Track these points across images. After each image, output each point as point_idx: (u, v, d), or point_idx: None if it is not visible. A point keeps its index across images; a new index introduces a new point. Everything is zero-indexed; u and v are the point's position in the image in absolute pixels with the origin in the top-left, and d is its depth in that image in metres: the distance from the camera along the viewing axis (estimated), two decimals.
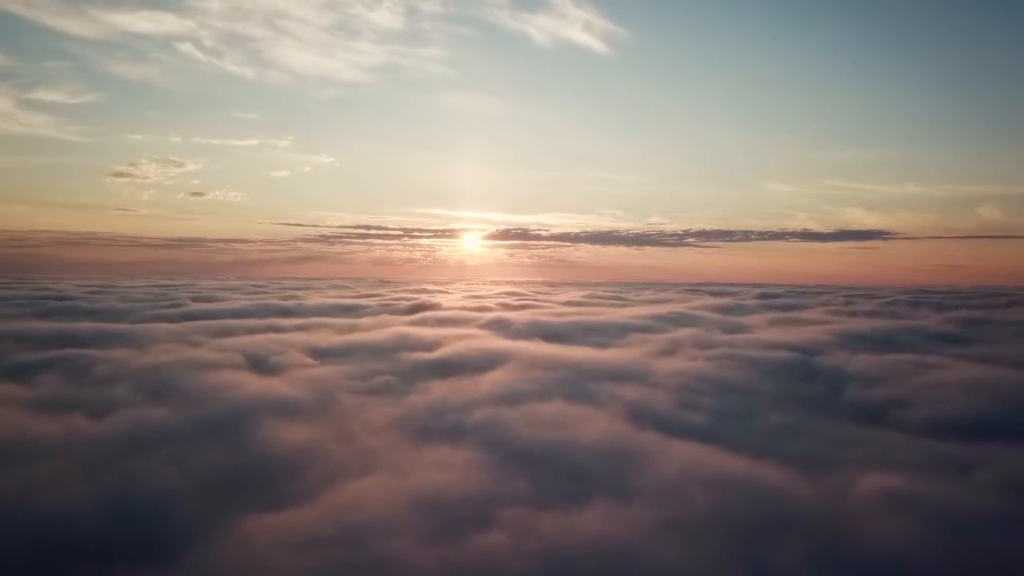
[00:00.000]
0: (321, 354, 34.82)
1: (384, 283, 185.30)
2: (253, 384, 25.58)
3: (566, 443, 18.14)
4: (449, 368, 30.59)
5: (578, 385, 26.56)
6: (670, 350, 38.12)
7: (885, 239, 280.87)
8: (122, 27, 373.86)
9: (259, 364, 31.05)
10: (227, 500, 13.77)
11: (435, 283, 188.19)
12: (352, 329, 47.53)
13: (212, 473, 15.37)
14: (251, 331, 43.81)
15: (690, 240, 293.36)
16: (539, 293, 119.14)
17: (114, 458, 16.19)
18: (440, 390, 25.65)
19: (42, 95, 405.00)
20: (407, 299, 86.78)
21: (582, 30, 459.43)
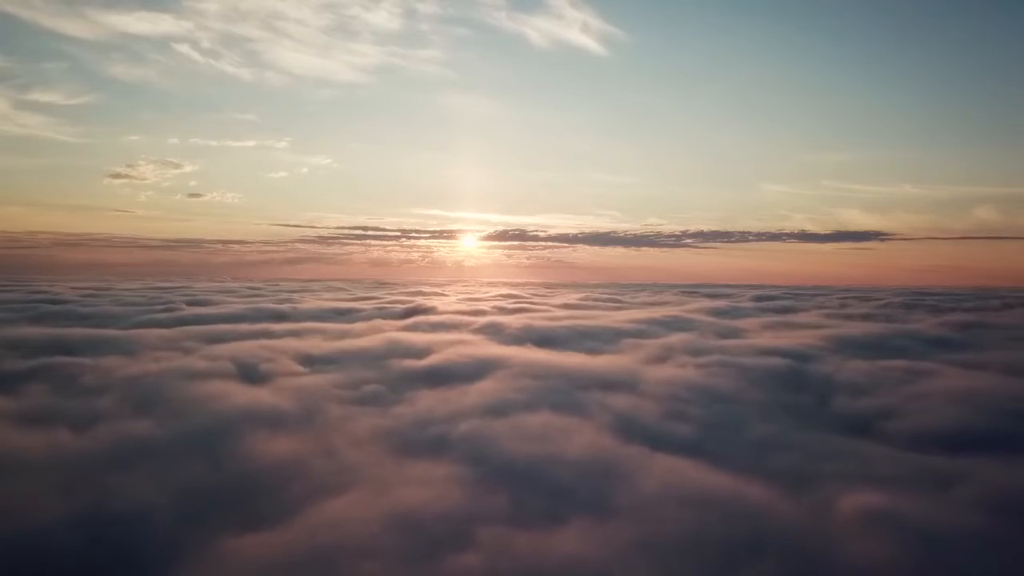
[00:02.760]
0: (311, 361, 34.73)
1: (381, 285, 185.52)
2: (240, 394, 25.46)
3: (549, 457, 18.09)
4: (438, 377, 30.51)
5: (567, 394, 26.50)
6: (662, 356, 38.08)
7: (882, 240, 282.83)
8: (119, 28, 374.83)
9: (248, 372, 30.93)
10: (204, 519, 13.66)
11: (432, 285, 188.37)
12: (344, 335, 47.49)
13: (191, 490, 15.25)
14: (243, 337, 43.74)
15: (688, 241, 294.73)
16: (535, 295, 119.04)
17: (94, 474, 16.08)
18: (427, 400, 25.58)
19: (39, 96, 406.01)
20: (402, 302, 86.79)
21: (580, 31, 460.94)
